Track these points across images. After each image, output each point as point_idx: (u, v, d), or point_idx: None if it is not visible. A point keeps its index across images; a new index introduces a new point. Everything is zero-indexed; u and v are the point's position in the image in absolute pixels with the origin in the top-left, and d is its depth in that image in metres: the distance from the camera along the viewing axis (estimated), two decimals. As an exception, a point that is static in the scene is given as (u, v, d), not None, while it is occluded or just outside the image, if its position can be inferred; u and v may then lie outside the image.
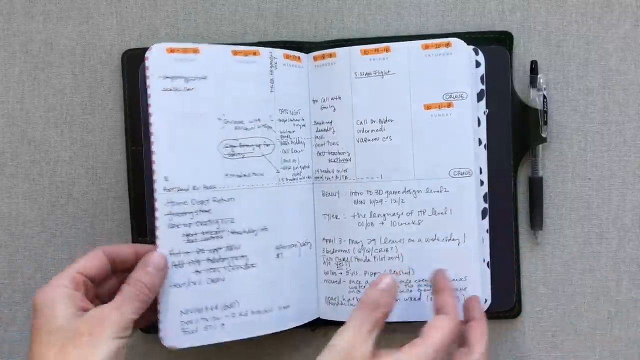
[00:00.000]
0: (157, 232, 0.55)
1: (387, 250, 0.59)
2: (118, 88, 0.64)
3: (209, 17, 0.64)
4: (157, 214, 0.55)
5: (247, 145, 0.58)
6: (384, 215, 0.59)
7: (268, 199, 0.59)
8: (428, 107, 0.59)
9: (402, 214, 0.59)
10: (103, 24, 0.64)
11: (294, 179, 0.60)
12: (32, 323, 0.50)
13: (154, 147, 0.55)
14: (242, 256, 0.57)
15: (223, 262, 0.57)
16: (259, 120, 0.58)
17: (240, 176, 0.58)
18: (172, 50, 0.56)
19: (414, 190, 0.59)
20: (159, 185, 0.55)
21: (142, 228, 0.62)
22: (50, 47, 0.64)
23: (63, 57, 0.64)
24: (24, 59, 0.64)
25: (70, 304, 0.50)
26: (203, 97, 0.56)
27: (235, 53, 0.58)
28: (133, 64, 0.62)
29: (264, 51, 0.59)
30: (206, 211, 0.56)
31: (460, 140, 0.58)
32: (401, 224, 0.59)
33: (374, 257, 0.59)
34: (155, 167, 0.55)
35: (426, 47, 0.59)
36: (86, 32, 0.64)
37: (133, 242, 0.62)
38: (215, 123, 0.57)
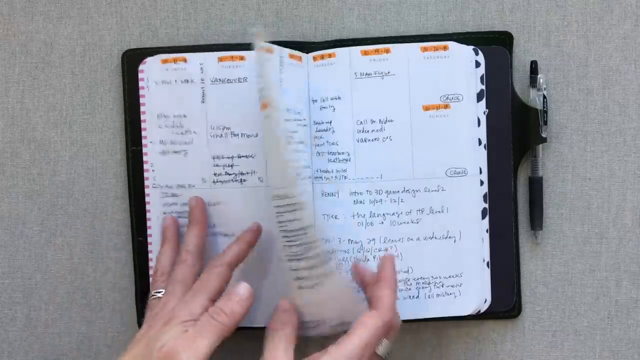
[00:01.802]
0: None
1: (386, 249, 0.59)
2: (118, 88, 0.64)
3: (209, 17, 0.64)
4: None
5: None
6: (383, 215, 0.59)
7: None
8: (426, 108, 0.59)
9: (401, 213, 0.59)
10: (103, 24, 0.64)
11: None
12: None
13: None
14: None
15: None
16: None
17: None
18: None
19: (412, 190, 0.59)
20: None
21: (142, 228, 0.62)
22: (50, 47, 0.64)
23: (63, 57, 0.64)
24: (24, 59, 0.64)
25: None
26: None
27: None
28: (133, 64, 0.62)
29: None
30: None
31: (457, 141, 0.59)
32: (400, 224, 0.59)
33: (374, 257, 0.59)
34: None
35: (425, 49, 0.59)
36: (86, 32, 0.64)
37: (132, 242, 0.62)
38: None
